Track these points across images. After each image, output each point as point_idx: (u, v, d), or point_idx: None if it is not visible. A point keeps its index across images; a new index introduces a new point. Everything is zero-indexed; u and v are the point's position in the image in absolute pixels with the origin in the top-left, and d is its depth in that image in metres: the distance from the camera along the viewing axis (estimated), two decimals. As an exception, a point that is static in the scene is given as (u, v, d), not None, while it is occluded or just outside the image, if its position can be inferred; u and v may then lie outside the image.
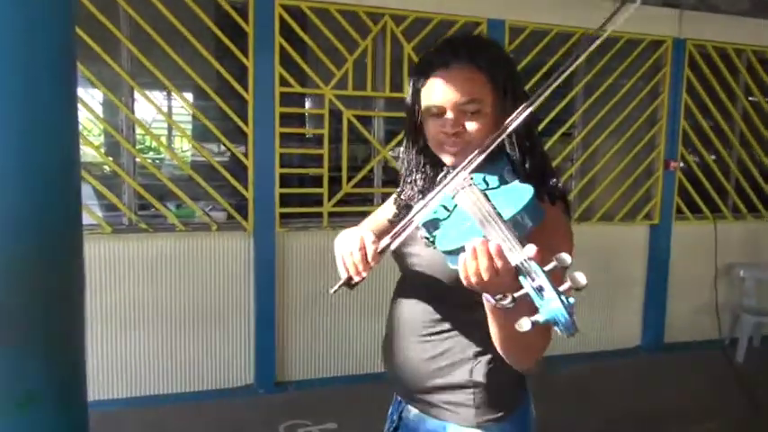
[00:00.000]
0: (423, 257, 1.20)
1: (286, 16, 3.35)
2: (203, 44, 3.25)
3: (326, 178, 3.56)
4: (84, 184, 3.31)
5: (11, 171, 1.10)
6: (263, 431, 3.09)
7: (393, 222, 1.26)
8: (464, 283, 0.90)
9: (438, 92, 1.11)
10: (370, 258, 1.09)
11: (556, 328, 0.78)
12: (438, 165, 1.21)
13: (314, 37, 3.48)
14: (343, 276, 1.12)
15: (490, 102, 1.11)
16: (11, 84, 1.10)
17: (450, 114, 1.11)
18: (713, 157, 4.47)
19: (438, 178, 1.19)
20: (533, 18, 3.78)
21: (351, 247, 1.11)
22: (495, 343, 1.04)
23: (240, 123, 3.38)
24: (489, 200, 0.95)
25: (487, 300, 0.93)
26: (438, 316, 1.22)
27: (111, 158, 3.47)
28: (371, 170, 3.71)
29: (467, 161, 1.07)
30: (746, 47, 4.32)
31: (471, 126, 1.10)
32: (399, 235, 1.10)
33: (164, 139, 7.34)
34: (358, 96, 3.66)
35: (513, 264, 0.84)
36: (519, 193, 0.97)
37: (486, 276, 0.86)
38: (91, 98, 4.51)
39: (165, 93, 7.66)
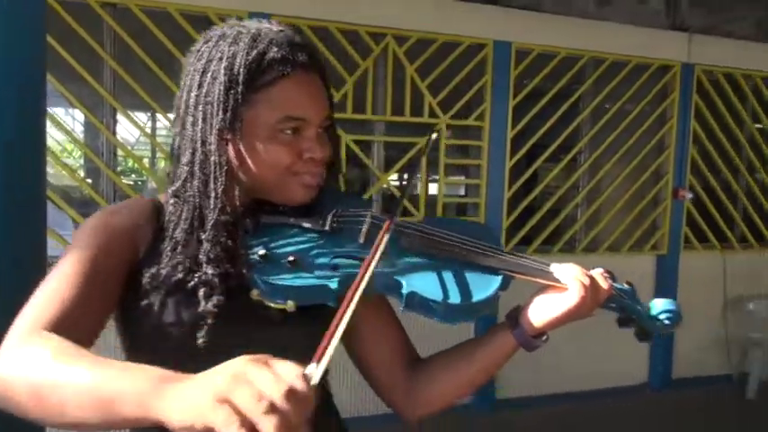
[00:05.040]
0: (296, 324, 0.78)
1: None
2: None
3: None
4: (60, 213, 3.06)
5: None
6: None
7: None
8: (574, 315, 0.86)
9: (304, 100, 0.81)
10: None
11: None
12: (231, 216, 0.82)
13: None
14: None
15: None
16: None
17: (312, 133, 0.83)
18: (720, 184, 4.33)
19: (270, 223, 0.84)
20: (540, 41, 3.62)
21: (265, 389, 0.49)
22: (472, 383, 0.91)
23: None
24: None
25: (531, 342, 0.88)
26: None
27: (89, 181, 3.22)
28: (370, 198, 3.50)
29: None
30: (755, 73, 4.21)
31: (329, 150, 0.86)
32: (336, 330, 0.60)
33: (145, 161, 7.09)
34: (357, 120, 3.46)
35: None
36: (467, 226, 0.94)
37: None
38: (71, 119, 4.27)
39: (148, 113, 7.46)
